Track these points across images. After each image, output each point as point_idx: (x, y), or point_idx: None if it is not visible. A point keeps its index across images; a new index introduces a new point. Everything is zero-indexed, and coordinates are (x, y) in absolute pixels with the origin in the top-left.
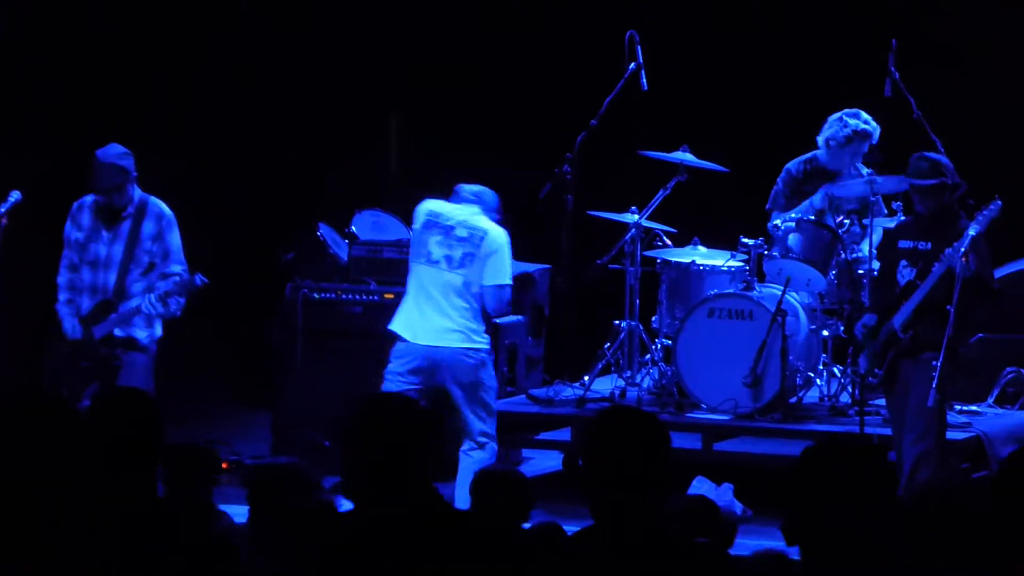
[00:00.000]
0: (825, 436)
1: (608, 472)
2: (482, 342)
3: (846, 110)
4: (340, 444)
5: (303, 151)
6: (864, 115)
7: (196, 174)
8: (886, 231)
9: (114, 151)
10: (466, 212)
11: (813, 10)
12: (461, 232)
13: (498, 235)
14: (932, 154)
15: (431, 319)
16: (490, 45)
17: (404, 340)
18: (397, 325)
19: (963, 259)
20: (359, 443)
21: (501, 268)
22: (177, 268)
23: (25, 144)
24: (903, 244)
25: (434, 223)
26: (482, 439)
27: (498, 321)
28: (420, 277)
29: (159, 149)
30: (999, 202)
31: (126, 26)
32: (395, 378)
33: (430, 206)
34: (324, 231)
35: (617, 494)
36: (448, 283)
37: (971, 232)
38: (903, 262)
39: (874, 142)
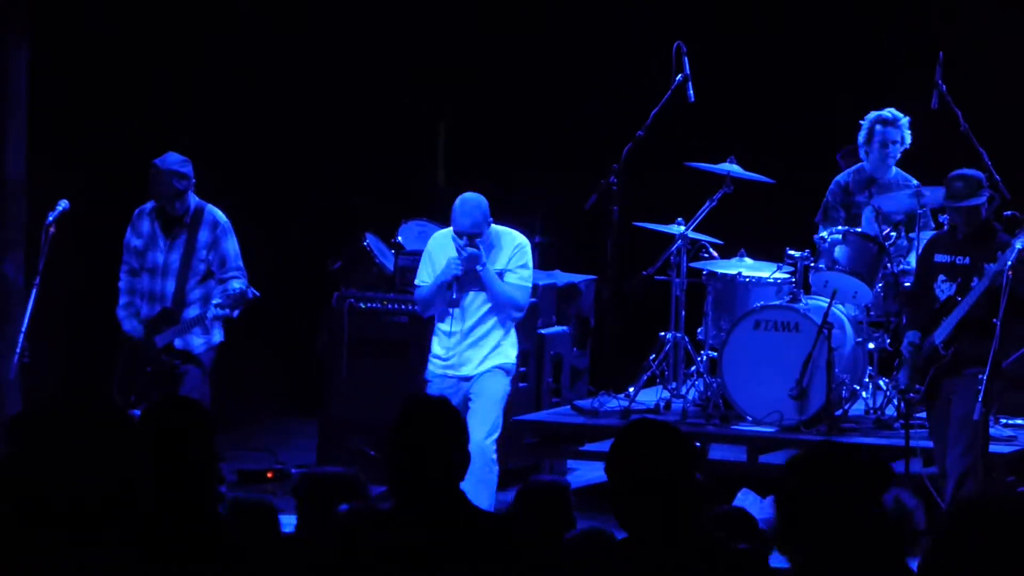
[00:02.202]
0: (811, 449)
1: (632, 483)
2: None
3: None
4: (388, 445)
5: (351, 160)
6: (885, 111)
7: (244, 182)
8: (927, 242)
9: (173, 159)
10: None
11: (860, 23)
12: None
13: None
14: (968, 171)
15: None
16: (539, 56)
17: None
18: None
19: (1010, 272)
20: (398, 441)
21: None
22: (236, 276)
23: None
24: (940, 258)
25: None
26: None
27: (543, 332)
28: None
29: (203, 157)
30: None
31: (149, 25)
32: None
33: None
34: (371, 241)
35: (642, 505)
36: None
37: (1019, 245)
38: (941, 276)
39: (898, 126)
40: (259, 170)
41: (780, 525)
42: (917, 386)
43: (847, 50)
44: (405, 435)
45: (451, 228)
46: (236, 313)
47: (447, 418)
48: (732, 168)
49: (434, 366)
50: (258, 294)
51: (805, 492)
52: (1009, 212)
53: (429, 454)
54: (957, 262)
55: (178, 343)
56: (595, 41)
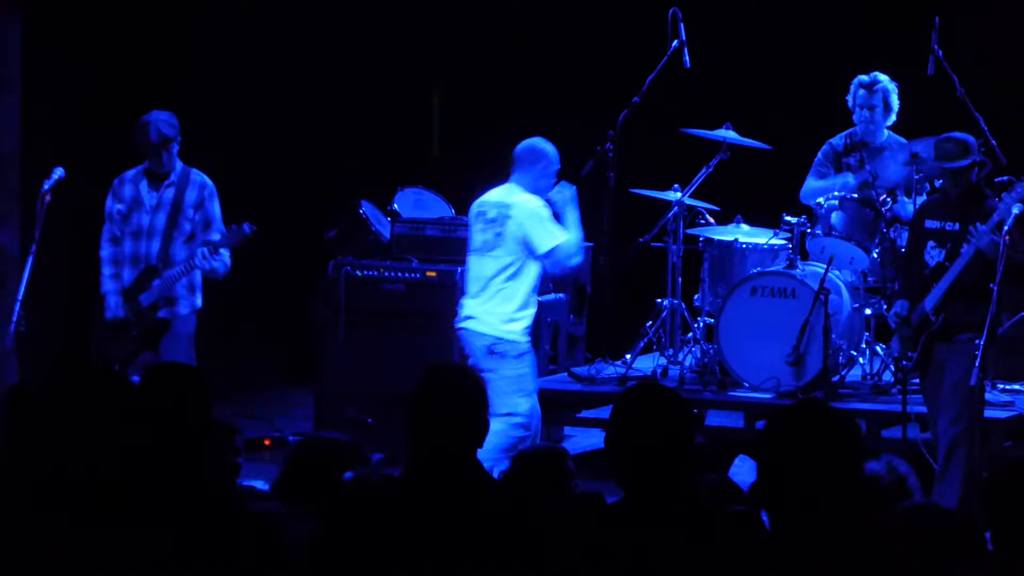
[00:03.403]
0: (794, 404)
1: (632, 446)
2: (512, 332)
3: None
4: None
5: (346, 127)
6: (872, 74)
7: (238, 150)
8: (916, 208)
9: (161, 113)
10: (499, 192)
11: None
12: (491, 214)
13: (523, 205)
14: (959, 134)
15: (470, 306)
16: (533, 24)
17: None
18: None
19: (1007, 237)
20: (418, 408)
21: (541, 234)
22: (218, 237)
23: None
24: (930, 224)
25: (477, 213)
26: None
27: (540, 299)
28: (469, 267)
29: (200, 124)
30: None
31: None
32: None
33: (479, 200)
34: (367, 208)
35: (642, 468)
36: (484, 267)
37: (1016, 211)
38: (931, 243)
39: (875, 90)
40: (255, 138)
41: (760, 481)
42: (910, 353)
43: (843, 15)
44: (428, 401)
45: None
46: (230, 256)
47: (471, 385)
48: (728, 134)
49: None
50: (255, 228)
51: (787, 448)
52: (1004, 177)
53: (451, 422)
54: (947, 228)
55: (163, 312)
56: (591, 7)
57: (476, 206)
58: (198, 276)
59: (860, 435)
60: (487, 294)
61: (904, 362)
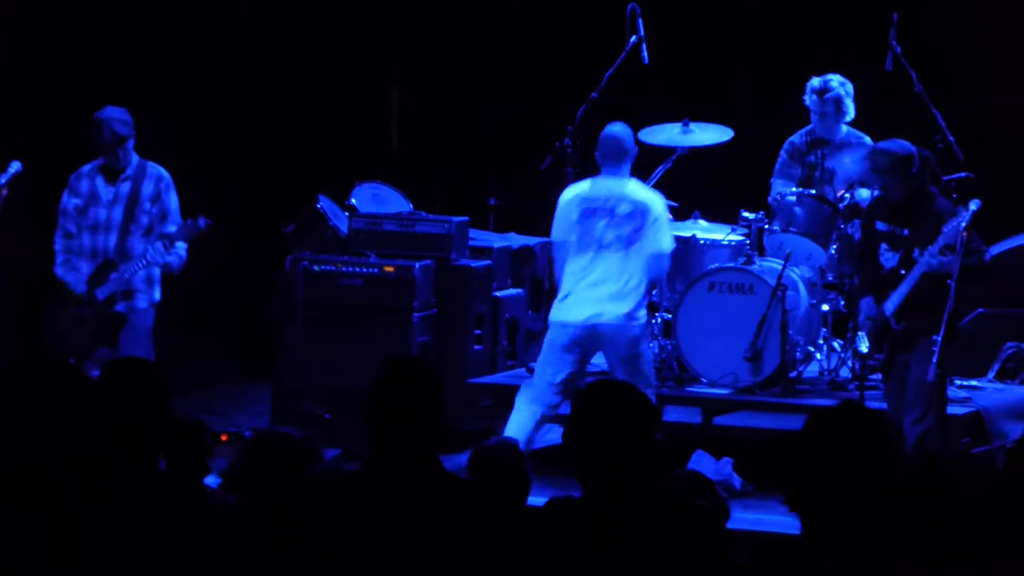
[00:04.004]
0: (835, 406)
1: (590, 443)
2: (642, 316)
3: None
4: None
5: (304, 123)
6: (824, 78)
7: (194, 144)
8: (867, 206)
9: (115, 110)
10: (623, 186)
11: None
12: (623, 209)
13: (657, 203)
14: (895, 145)
15: (603, 301)
16: (492, 17)
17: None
18: (560, 314)
19: (963, 234)
20: (375, 401)
21: (666, 235)
22: (174, 229)
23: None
24: (880, 226)
25: (597, 208)
26: None
27: (497, 295)
28: (586, 263)
29: (155, 118)
30: (979, 202)
31: None
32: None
33: (578, 192)
34: (324, 203)
35: (601, 464)
36: (620, 263)
37: (972, 207)
38: (883, 245)
39: (825, 99)
40: (213, 130)
41: (794, 484)
42: (876, 355)
43: (803, 10)
44: (385, 394)
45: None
46: (186, 249)
47: (429, 377)
48: (681, 142)
49: None
50: (210, 222)
51: (823, 451)
52: (963, 174)
53: (409, 414)
54: (897, 232)
55: (121, 307)
56: (549, 2)
57: (590, 200)
58: (156, 270)
59: (899, 437)
60: (627, 288)
61: (871, 361)
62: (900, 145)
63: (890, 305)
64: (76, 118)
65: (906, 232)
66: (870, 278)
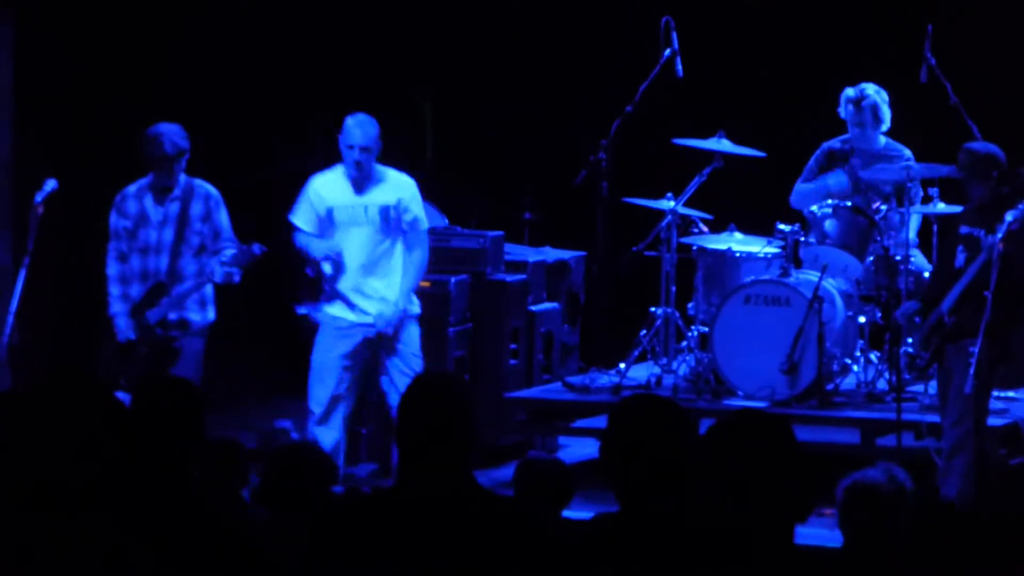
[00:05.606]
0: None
1: (629, 457)
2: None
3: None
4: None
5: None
6: (859, 87)
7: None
8: (949, 217)
9: (170, 125)
10: None
11: None
12: None
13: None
14: (976, 145)
15: None
16: (528, 33)
17: None
18: None
19: (1000, 245)
20: (404, 418)
21: None
22: (228, 246)
23: None
24: (963, 230)
25: None
26: None
27: (533, 308)
28: None
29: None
30: None
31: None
32: None
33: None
34: None
35: (640, 481)
36: None
37: (1008, 218)
38: (960, 247)
39: (862, 107)
40: (247, 145)
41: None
42: (922, 353)
43: (837, 23)
44: (413, 412)
45: (329, 171)
46: (238, 277)
47: (457, 394)
48: (720, 145)
49: None
50: (265, 248)
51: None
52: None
53: (435, 431)
54: (974, 234)
55: (173, 316)
56: (584, 16)
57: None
58: (209, 289)
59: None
60: None
61: (918, 360)
62: (984, 146)
63: (947, 301)
64: (76, 118)
65: (982, 233)
66: (932, 287)
